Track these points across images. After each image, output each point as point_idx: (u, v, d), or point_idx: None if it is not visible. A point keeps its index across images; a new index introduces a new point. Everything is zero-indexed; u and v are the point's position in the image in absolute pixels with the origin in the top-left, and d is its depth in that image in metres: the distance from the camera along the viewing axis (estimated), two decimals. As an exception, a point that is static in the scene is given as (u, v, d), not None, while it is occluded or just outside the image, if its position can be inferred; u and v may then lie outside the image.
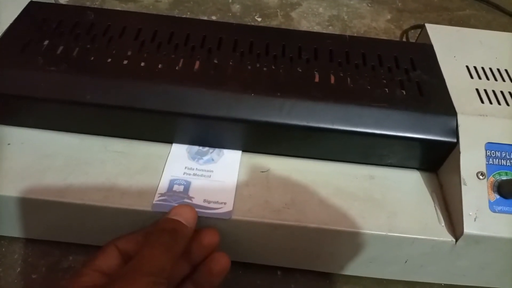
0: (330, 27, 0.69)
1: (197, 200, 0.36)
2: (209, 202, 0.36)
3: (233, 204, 0.36)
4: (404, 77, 0.41)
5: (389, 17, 0.73)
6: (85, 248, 0.40)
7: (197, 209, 0.34)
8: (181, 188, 0.37)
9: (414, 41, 0.64)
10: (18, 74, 0.37)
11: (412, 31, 0.71)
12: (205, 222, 0.35)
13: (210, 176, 0.38)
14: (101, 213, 0.36)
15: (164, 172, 0.38)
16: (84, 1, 0.67)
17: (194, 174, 0.38)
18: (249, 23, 0.68)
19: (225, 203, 0.36)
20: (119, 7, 0.67)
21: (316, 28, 0.69)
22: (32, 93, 0.37)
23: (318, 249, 0.38)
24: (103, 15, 0.44)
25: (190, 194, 0.37)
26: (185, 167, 0.38)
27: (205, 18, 0.67)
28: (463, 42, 0.46)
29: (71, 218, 0.37)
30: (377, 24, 0.72)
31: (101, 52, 0.40)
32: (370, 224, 0.36)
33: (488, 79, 0.42)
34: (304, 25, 0.69)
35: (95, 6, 0.67)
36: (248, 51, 0.41)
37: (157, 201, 0.36)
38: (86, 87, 0.37)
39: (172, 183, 0.37)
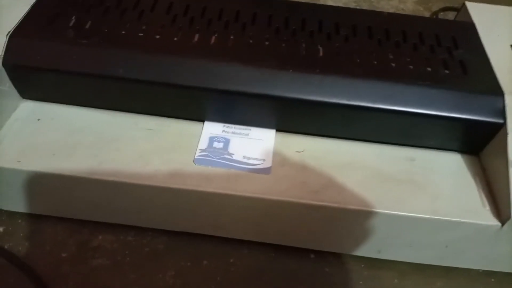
0: (357, 8, 0.67)
1: (237, 156, 0.37)
2: (248, 158, 0.37)
3: (272, 161, 0.37)
4: (447, 56, 0.39)
5: (417, -2, 0.71)
6: (113, 227, 0.39)
7: (238, 165, 0.36)
8: (221, 145, 0.37)
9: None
10: (48, 46, 0.36)
11: (442, 13, 0.69)
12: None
13: (248, 134, 0.39)
14: (133, 191, 0.35)
15: (203, 130, 0.38)
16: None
17: (233, 133, 0.39)
18: None
19: (264, 160, 0.37)
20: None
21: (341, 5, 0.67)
22: (62, 67, 0.36)
23: (355, 231, 0.36)
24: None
25: (230, 150, 0.37)
26: (224, 126, 0.39)
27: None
28: (506, 21, 0.44)
29: (102, 196, 0.36)
30: (405, 5, 0.70)
31: (132, 26, 0.38)
32: (412, 207, 0.35)
33: (535, 59, 0.40)
34: (331, 4, 0.67)
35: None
36: (283, 27, 0.40)
37: (198, 156, 0.36)
38: (118, 61, 0.36)
39: (212, 140, 0.38)
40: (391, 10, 0.68)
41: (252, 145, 0.38)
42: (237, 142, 0.38)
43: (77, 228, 0.39)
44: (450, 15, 0.68)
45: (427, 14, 0.68)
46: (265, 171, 0.36)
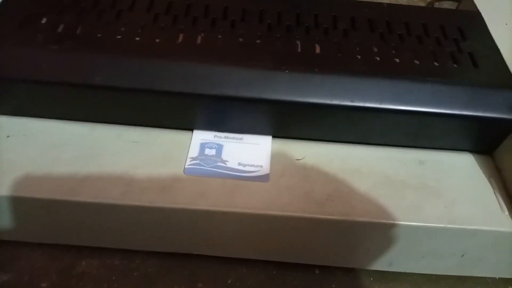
0: None
1: (232, 164, 0.33)
2: (244, 165, 0.33)
3: (269, 167, 0.34)
4: (455, 48, 0.36)
5: (412, -12, 0.68)
6: (98, 251, 0.36)
7: (233, 173, 0.32)
8: (213, 151, 0.34)
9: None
10: (15, 54, 0.32)
11: (437, 3, 0.66)
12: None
13: (242, 139, 0.35)
14: (119, 212, 0.32)
15: (193, 136, 0.35)
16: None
17: (226, 137, 0.35)
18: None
19: (261, 166, 0.34)
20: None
21: None
22: (33, 76, 0.32)
23: (365, 245, 0.33)
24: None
25: (223, 157, 0.34)
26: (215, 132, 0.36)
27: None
28: (514, 8, 0.41)
29: (85, 218, 0.33)
30: (400, -5, 0.67)
31: (109, 28, 0.34)
32: (426, 216, 0.32)
33: (547, 48, 0.37)
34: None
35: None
36: (276, 23, 0.36)
37: (189, 165, 0.33)
38: (95, 67, 0.32)
39: (203, 146, 0.34)
40: (386, 0, 0.65)
41: (248, 151, 0.35)
42: (231, 148, 0.35)
43: (58, 254, 0.35)
44: (446, 6, 0.65)
45: (422, 5, 0.65)
46: (263, 178, 0.33)
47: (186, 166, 0.33)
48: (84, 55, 0.32)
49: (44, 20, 0.34)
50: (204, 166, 0.33)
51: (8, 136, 0.34)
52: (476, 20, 0.39)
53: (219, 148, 0.35)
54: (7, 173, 0.31)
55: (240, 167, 0.34)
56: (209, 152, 0.34)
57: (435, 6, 0.64)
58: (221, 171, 0.33)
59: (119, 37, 0.34)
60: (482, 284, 0.37)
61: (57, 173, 0.32)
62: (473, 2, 0.41)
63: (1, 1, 0.35)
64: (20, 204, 0.32)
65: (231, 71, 0.32)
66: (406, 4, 0.49)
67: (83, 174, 0.32)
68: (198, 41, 0.34)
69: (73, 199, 0.31)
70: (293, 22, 0.36)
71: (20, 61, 0.32)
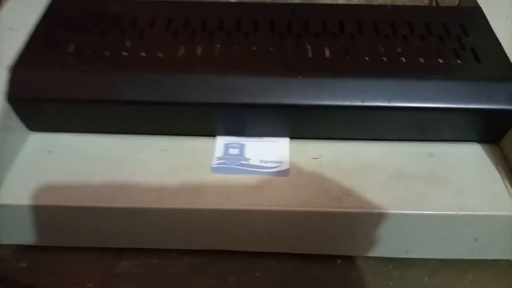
0: (354, 0, 0.66)
1: (254, 161, 0.37)
2: (265, 162, 0.36)
3: (289, 163, 0.37)
4: (457, 45, 0.38)
5: (414, -17, 0.70)
6: (136, 251, 0.39)
7: (255, 169, 0.36)
8: (237, 151, 0.37)
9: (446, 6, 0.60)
10: (51, 77, 0.35)
11: (441, -3, 0.67)
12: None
13: (262, 139, 0.38)
14: (153, 216, 0.35)
15: (217, 139, 0.38)
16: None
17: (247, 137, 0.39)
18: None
19: (281, 162, 0.36)
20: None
21: (341, 2, 0.65)
22: (68, 96, 0.35)
23: (382, 234, 0.36)
24: (129, 6, 0.41)
25: (246, 155, 0.37)
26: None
27: None
28: (514, 1, 0.43)
29: (121, 223, 0.36)
30: (402, -8, 0.68)
31: (133, 47, 0.37)
32: (437, 205, 0.34)
33: (547, 38, 0.39)
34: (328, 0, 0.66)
35: None
36: (286, 31, 0.39)
37: (216, 164, 0.36)
38: (123, 84, 0.35)
39: (227, 147, 0.37)
40: (389, 1, 0.66)
41: (268, 149, 0.38)
42: (252, 146, 0.38)
43: (99, 257, 0.39)
44: (448, 1, 0.66)
45: (426, 1, 0.67)
46: (284, 173, 0.36)
47: (213, 166, 0.36)
48: (112, 74, 0.35)
49: (73, 44, 0.37)
50: (230, 165, 0.36)
51: (49, 151, 0.37)
52: (477, 16, 0.41)
53: (242, 147, 0.38)
54: (51, 185, 0.35)
55: (262, 164, 0.37)
56: (232, 151, 0.37)
57: (438, 1, 0.66)
58: (245, 168, 0.36)
59: (143, 54, 0.37)
60: (496, 267, 0.39)
61: (95, 183, 0.35)
62: (473, -2, 0.43)
63: (34, 29, 0.38)
64: (63, 213, 0.35)
65: (248, 80, 0.35)
66: (409, 4, 0.50)
67: (119, 183, 0.35)
68: (216, 53, 0.37)
69: (109, 205, 0.34)
70: (302, 30, 0.39)
71: (56, 83, 0.35)
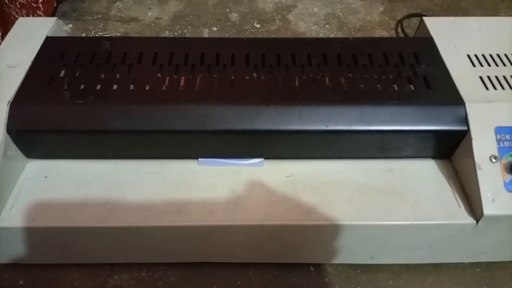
0: (327, 26, 0.71)
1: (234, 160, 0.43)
2: (243, 160, 0.43)
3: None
4: (411, 73, 0.43)
5: (382, 9, 0.76)
6: (127, 266, 0.42)
7: (235, 161, 0.42)
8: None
9: (410, 31, 0.66)
10: (47, 110, 0.39)
11: (406, 20, 0.73)
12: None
13: (239, 159, 0.43)
14: (143, 233, 0.38)
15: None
16: (87, 25, 0.68)
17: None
18: (249, 30, 0.69)
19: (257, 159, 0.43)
20: (121, 28, 0.69)
21: (314, 28, 0.71)
22: (63, 127, 0.39)
23: (349, 243, 0.40)
24: (118, 43, 0.45)
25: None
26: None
27: (207, 30, 0.69)
28: (462, 31, 0.48)
29: (115, 240, 0.40)
30: (371, 17, 0.74)
31: (123, 80, 0.41)
32: (396, 215, 0.38)
33: (489, 65, 0.44)
34: (302, 27, 0.71)
35: (99, 30, 0.68)
36: (261, 64, 0.44)
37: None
38: (114, 115, 0.39)
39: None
40: (359, 24, 0.72)
41: None
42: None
43: (93, 272, 0.42)
44: (415, 21, 0.72)
45: (392, 23, 0.73)
46: (259, 164, 0.42)
47: (199, 159, 0.43)
48: (103, 107, 0.39)
49: (67, 79, 0.41)
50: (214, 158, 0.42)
51: (46, 177, 0.41)
52: (429, 45, 0.46)
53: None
54: (49, 208, 0.38)
55: (241, 161, 0.42)
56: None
57: (404, 23, 0.71)
58: (227, 160, 0.42)
59: (131, 87, 0.41)
60: (453, 269, 0.44)
61: (90, 205, 0.39)
62: (427, 29, 0.48)
63: (30, 66, 0.42)
64: (61, 233, 0.38)
65: (226, 109, 0.39)
66: (369, 37, 0.55)
67: (111, 204, 0.39)
68: (197, 84, 0.41)
69: (104, 225, 0.38)
70: (274, 62, 0.44)
71: (51, 115, 0.39)
